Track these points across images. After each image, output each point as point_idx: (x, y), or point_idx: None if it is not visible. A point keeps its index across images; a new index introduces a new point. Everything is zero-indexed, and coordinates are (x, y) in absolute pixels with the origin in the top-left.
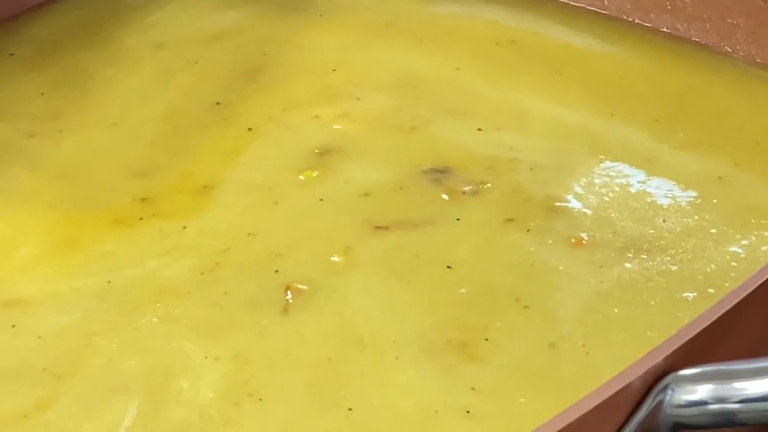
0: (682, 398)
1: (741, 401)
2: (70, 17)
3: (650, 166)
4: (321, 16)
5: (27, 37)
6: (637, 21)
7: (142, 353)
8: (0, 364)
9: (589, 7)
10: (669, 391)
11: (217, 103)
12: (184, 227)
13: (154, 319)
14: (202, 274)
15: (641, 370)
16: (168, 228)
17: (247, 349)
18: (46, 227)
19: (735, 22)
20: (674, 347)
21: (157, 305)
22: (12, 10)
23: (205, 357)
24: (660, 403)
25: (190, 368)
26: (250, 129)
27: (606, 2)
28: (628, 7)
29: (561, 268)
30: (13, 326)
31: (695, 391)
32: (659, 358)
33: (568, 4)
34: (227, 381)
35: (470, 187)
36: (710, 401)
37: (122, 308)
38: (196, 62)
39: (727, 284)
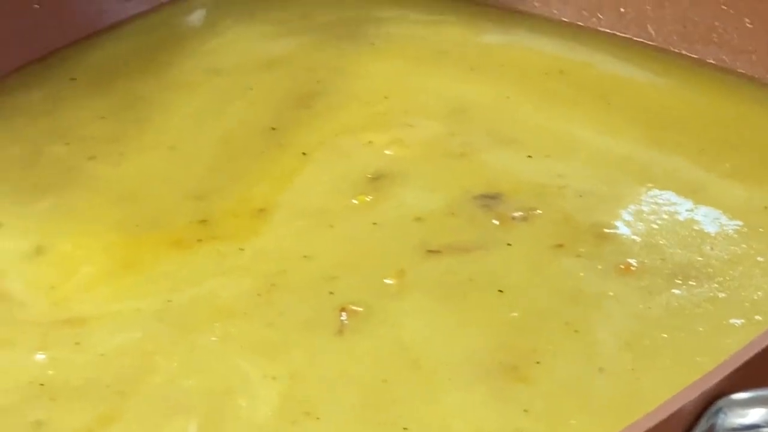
0: (734, 422)
1: None
2: (128, 44)
3: (697, 194)
4: (373, 44)
5: (87, 63)
6: (683, 52)
7: (201, 372)
8: (64, 380)
9: (636, 38)
10: (722, 415)
11: (272, 129)
12: (242, 249)
13: (213, 339)
14: (259, 295)
15: (694, 394)
16: (225, 250)
17: (303, 369)
18: (107, 248)
19: None
20: (727, 372)
21: (216, 325)
22: (72, 37)
23: (263, 376)
24: (712, 427)
25: (248, 387)
26: (304, 154)
27: (653, 33)
28: (675, 38)
29: (610, 293)
30: (77, 343)
31: (747, 414)
32: (712, 383)
33: (615, 35)
34: (284, 400)
35: (520, 213)
36: (762, 425)
37: (181, 328)
38: (251, 89)
39: None
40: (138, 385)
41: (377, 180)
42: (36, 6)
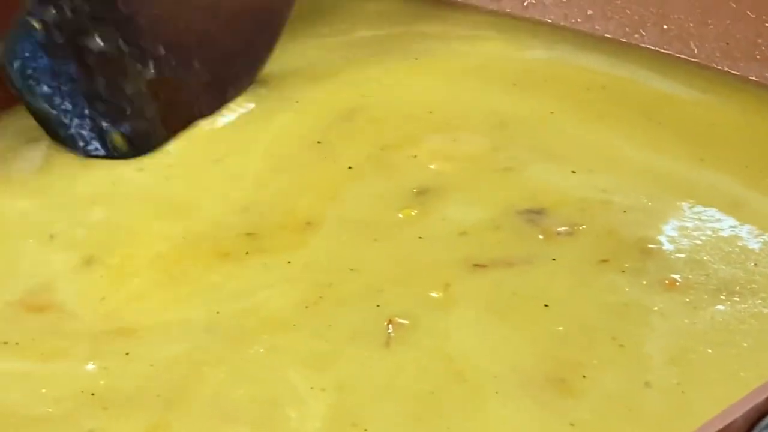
0: None
1: None
2: None
3: (741, 211)
4: (417, 59)
5: None
6: (726, 69)
7: (250, 383)
8: (115, 390)
9: (679, 55)
10: None
11: (318, 142)
12: (289, 262)
13: (261, 350)
14: (306, 307)
15: (744, 409)
16: (273, 262)
17: (351, 381)
18: (155, 259)
19: None
20: None
21: (264, 336)
22: None
23: (311, 387)
24: None
25: (297, 398)
26: (349, 168)
27: (695, 50)
28: (718, 55)
29: (655, 308)
30: (127, 354)
31: None
32: (762, 397)
33: (658, 51)
34: (333, 412)
35: (565, 228)
36: None
37: (230, 339)
38: (297, 102)
39: None
40: (188, 395)
41: (422, 194)
42: None
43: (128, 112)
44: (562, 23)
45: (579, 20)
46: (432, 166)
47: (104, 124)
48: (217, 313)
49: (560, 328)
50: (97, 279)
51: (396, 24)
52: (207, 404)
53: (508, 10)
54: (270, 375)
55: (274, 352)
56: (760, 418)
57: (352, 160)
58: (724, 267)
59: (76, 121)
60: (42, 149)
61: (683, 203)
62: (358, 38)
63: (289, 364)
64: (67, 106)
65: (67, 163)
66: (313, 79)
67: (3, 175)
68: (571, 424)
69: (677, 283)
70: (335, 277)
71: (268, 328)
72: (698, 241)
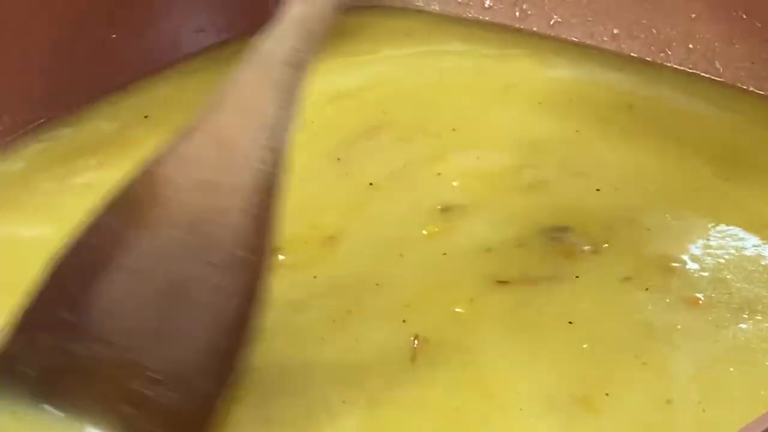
0: None
1: None
2: (201, 77)
3: (764, 230)
4: (441, 77)
5: (160, 98)
6: (751, 89)
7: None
8: None
9: (704, 74)
10: None
11: (338, 159)
12: (315, 277)
13: (290, 365)
14: (333, 321)
15: (764, 426)
16: (300, 277)
17: (379, 395)
18: None
19: None
20: None
21: (292, 351)
22: (147, 69)
23: (342, 402)
24: None
25: (329, 412)
26: (371, 184)
27: (721, 70)
28: (743, 74)
29: (678, 326)
30: None
31: None
32: None
33: (684, 70)
34: (363, 426)
35: (589, 247)
36: None
37: (258, 354)
38: (312, 122)
39: None
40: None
41: (446, 211)
42: (113, 36)
43: None
44: (588, 42)
45: (605, 39)
46: (456, 184)
47: None
48: None
49: (584, 346)
50: None
51: (421, 43)
52: (235, 420)
53: (534, 29)
54: (299, 390)
55: (303, 366)
56: None
57: (373, 177)
58: (747, 286)
59: None
60: (56, 175)
61: (707, 222)
62: (383, 57)
63: (318, 378)
64: None
65: (80, 188)
66: (336, 97)
67: (18, 201)
68: None
69: (700, 302)
70: (361, 292)
71: (296, 342)
72: (722, 260)
